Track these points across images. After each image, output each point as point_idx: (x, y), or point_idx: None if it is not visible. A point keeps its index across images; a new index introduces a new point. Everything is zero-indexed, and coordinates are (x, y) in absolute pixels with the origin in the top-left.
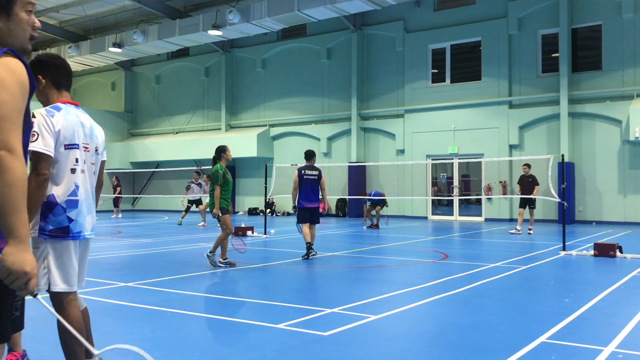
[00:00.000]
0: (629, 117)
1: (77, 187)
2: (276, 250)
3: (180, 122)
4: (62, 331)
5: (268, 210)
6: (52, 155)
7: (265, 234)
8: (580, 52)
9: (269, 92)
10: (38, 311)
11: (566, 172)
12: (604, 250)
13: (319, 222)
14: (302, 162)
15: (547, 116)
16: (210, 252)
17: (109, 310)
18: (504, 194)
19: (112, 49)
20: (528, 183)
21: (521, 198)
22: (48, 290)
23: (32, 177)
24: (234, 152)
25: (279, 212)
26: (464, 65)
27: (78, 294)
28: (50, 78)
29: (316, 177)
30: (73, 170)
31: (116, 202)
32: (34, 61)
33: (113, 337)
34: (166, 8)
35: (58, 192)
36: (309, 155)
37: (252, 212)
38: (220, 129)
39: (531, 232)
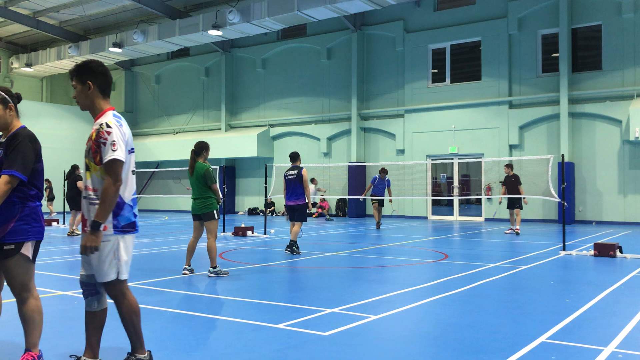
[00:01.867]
0: (629, 117)
1: (134, 187)
2: (276, 250)
3: (180, 122)
4: (129, 314)
5: (268, 210)
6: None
7: (265, 234)
8: (580, 52)
9: (269, 92)
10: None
11: (566, 172)
12: (604, 250)
13: (304, 220)
14: (302, 162)
15: (547, 116)
16: (212, 268)
17: (109, 310)
18: (504, 193)
19: (112, 49)
20: (511, 183)
21: (508, 199)
22: (104, 283)
23: (112, 183)
24: (234, 152)
25: (278, 212)
26: (464, 65)
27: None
28: (98, 84)
29: (295, 177)
30: (133, 172)
31: None
32: (82, 66)
33: (113, 337)
34: (166, 8)
35: (125, 192)
36: (292, 157)
37: (252, 212)
38: (220, 129)
39: (519, 232)
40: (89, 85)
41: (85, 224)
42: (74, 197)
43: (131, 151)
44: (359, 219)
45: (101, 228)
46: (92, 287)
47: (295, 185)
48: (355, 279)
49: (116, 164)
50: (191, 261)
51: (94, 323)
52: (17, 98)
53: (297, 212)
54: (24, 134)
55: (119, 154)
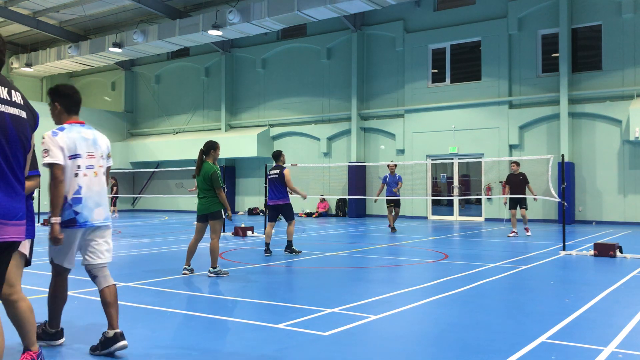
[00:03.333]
0: (629, 117)
1: (80, 187)
2: (276, 250)
3: (180, 122)
4: (51, 295)
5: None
6: (62, 163)
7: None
8: (580, 52)
9: (269, 92)
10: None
11: (566, 172)
12: (604, 250)
13: (292, 219)
14: (302, 162)
15: (547, 116)
16: (212, 268)
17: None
18: (504, 193)
19: (112, 49)
20: (519, 182)
21: (511, 199)
22: (51, 262)
23: (50, 182)
24: (234, 152)
25: None
26: (464, 65)
27: (108, 272)
28: (63, 105)
29: (276, 176)
30: (76, 175)
31: (113, 201)
32: (51, 89)
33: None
34: (166, 8)
35: (67, 192)
36: (274, 156)
37: (252, 212)
38: (220, 129)
39: (529, 233)
40: (56, 106)
41: None
42: None
43: (75, 156)
44: (359, 219)
45: (52, 221)
46: (88, 273)
47: (277, 184)
48: (355, 279)
49: (49, 166)
50: (191, 261)
51: (101, 300)
52: None
53: (284, 212)
54: None
55: (49, 158)
